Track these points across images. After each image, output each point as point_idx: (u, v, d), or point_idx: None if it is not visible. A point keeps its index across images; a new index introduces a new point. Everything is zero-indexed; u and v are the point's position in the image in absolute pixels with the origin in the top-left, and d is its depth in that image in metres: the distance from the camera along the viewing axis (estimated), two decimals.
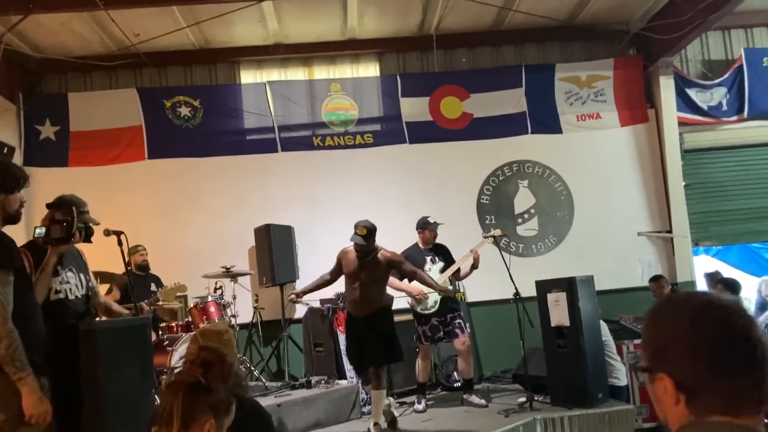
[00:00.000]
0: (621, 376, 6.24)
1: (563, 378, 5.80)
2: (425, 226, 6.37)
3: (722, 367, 1.11)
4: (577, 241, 8.41)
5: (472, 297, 8.04)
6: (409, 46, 8.79)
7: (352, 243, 5.31)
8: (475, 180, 8.54)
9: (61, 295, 3.41)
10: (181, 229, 7.85)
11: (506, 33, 8.73)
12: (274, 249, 7.38)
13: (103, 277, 6.01)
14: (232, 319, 6.49)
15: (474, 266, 6.23)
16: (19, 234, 3.32)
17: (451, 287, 6.27)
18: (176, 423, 1.71)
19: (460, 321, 6.21)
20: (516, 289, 5.99)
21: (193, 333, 3.59)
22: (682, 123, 8.65)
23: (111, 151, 8.14)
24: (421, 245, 6.40)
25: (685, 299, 1.21)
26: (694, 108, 8.73)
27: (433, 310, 6.12)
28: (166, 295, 6.01)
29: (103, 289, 6.21)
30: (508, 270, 6.02)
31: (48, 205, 3.55)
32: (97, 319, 3.83)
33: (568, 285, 5.85)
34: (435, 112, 8.60)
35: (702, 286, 8.15)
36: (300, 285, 6.11)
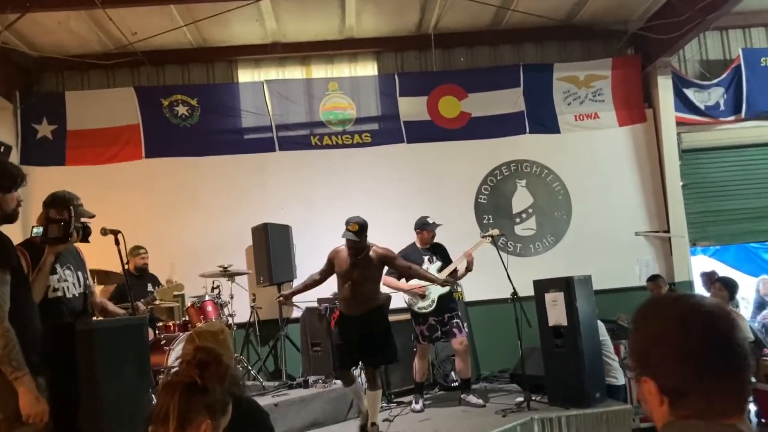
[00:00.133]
0: (618, 376, 6.25)
1: (561, 378, 5.81)
2: (424, 227, 6.36)
3: (706, 371, 1.13)
4: (574, 240, 8.41)
5: (469, 296, 8.04)
6: (407, 45, 8.78)
7: (344, 242, 5.25)
8: (473, 179, 8.54)
9: (59, 293, 3.40)
10: (179, 228, 7.84)
11: (504, 32, 8.73)
12: (272, 248, 7.37)
13: (99, 275, 6.00)
14: (230, 319, 6.49)
15: (468, 268, 6.22)
16: (16, 233, 3.31)
17: (448, 288, 6.24)
18: (172, 423, 1.71)
19: (458, 320, 6.20)
20: (514, 288, 6.00)
21: (189, 333, 3.58)
22: (679, 123, 8.65)
23: (108, 150, 8.12)
24: (418, 245, 6.40)
25: (669, 303, 1.22)
26: (691, 108, 8.74)
27: (430, 309, 6.12)
28: (163, 294, 6.01)
29: (99, 288, 6.22)
30: (506, 270, 6.02)
31: (43, 203, 3.54)
32: (94, 318, 3.83)
33: (565, 285, 5.86)
34: (433, 112, 8.59)
35: (699, 286, 8.17)
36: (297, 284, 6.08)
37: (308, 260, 7.38)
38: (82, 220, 3.60)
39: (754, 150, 8.97)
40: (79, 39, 7.83)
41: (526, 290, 6.17)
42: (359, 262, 5.24)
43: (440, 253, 6.41)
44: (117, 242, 3.92)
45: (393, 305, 7.08)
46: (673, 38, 7.90)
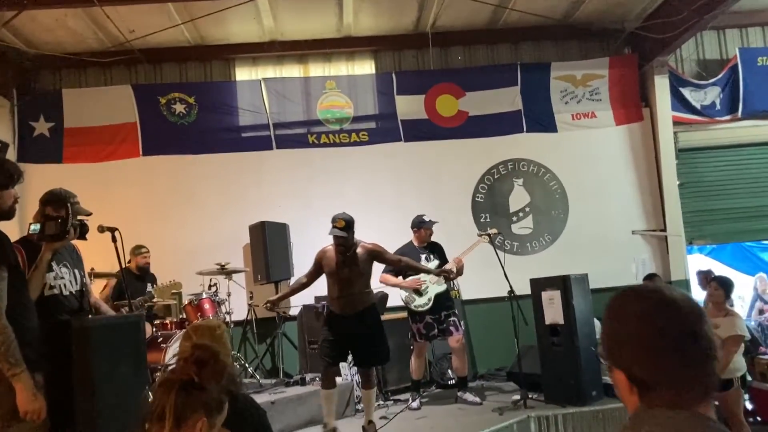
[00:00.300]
0: None
1: (557, 376, 5.82)
2: (421, 225, 6.37)
3: (672, 362, 1.17)
4: (571, 239, 8.42)
5: (466, 295, 8.05)
6: (405, 43, 8.78)
7: (331, 241, 5.19)
8: (470, 178, 8.55)
9: (56, 291, 3.39)
10: (176, 225, 7.83)
11: (502, 31, 8.74)
12: (269, 246, 7.38)
13: (97, 275, 5.99)
14: (227, 316, 6.49)
15: (459, 273, 6.22)
16: (12, 231, 3.31)
17: (445, 286, 6.26)
18: (168, 421, 1.71)
19: (455, 319, 6.21)
20: (511, 287, 6.01)
21: (186, 329, 3.58)
22: (676, 122, 8.68)
23: (105, 147, 8.11)
24: (416, 243, 6.41)
25: (638, 296, 1.27)
26: (688, 107, 8.76)
27: (427, 307, 6.13)
28: (161, 292, 6.01)
29: (99, 285, 6.22)
30: (503, 268, 6.03)
31: (40, 201, 3.53)
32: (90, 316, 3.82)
33: (562, 283, 5.88)
34: (430, 110, 8.60)
35: (696, 284, 8.19)
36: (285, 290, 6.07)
37: (305, 258, 7.32)
38: (79, 217, 3.60)
39: (751, 149, 8.99)
40: (76, 36, 7.83)
41: (523, 289, 6.19)
42: (348, 259, 5.16)
43: (437, 251, 6.42)
44: (114, 239, 3.92)
45: (390, 303, 7.13)
46: (670, 38, 7.92)
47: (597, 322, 6.17)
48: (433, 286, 6.15)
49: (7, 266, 2.85)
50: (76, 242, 3.68)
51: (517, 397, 5.92)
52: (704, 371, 1.19)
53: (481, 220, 8.40)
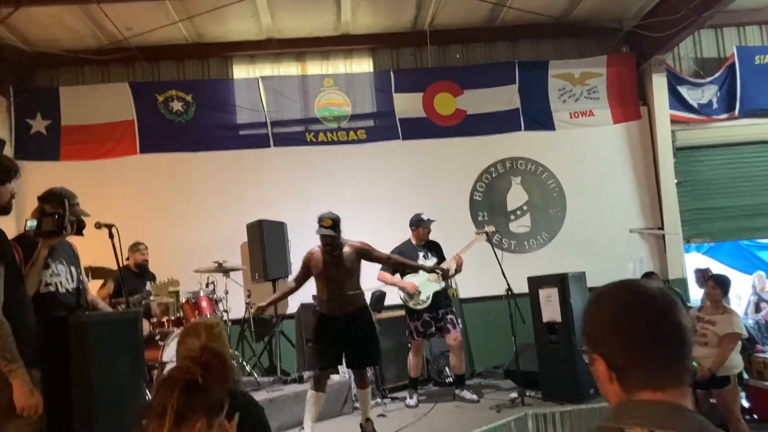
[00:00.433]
0: None
1: (555, 373, 5.83)
2: (419, 223, 6.37)
3: (648, 348, 1.25)
4: (569, 237, 8.43)
5: (464, 293, 8.05)
6: (403, 41, 8.78)
7: (318, 243, 5.13)
8: (468, 176, 8.54)
9: (52, 288, 3.39)
10: (174, 223, 7.82)
11: (500, 29, 8.74)
12: (267, 245, 7.37)
13: (95, 272, 5.98)
14: (224, 314, 6.47)
15: (457, 270, 6.22)
16: (9, 227, 3.30)
17: (443, 284, 6.26)
18: (168, 419, 1.70)
19: (452, 317, 6.22)
20: (508, 285, 6.02)
21: (184, 327, 3.56)
22: (674, 121, 8.68)
23: (103, 145, 8.09)
24: (414, 242, 6.41)
25: (617, 288, 1.35)
26: (685, 106, 8.77)
27: (425, 305, 6.13)
28: (158, 290, 6.00)
29: (97, 284, 6.20)
30: (501, 266, 6.03)
31: (38, 198, 3.53)
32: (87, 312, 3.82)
33: (560, 281, 5.89)
34: (428, 109, 8.59)
35: (693, 282, 8.20)
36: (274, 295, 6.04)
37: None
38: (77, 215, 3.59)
39: (748, 148, 9.00)
40: (73, 34, 7.80)
41: (521, 287, 6.20)
42: (335, 259, 5.08)
43: (435, 250, 6.42)
44: (111, 236, 3.92)
45: (388, 302, 7.14)
46: (667, 36, 7.92)
47: None
48: (431, 285, 6.15)
49: (4, 263, 2.84)
50: (73, 240, 3.68)
51: (514, 394, 5.92)
52: (678, 353, 1.26)
53: (479, 219, 8.40)
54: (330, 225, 5.01)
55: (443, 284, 6.26)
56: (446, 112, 8.61)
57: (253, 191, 8.09)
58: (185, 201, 7.98)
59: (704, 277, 7.48)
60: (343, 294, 5.10)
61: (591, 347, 1.34)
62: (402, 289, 6.18)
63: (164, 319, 6.16)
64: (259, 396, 5.46)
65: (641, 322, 1.26)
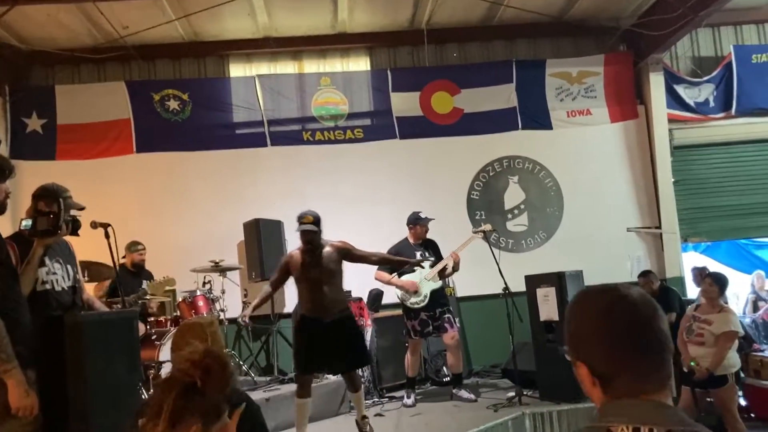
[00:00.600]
0: None
1: (552, 372, 5.81)
2: (417, 222, 6.36)
3: (630, 354, 1.26)
4: (566, 236, 8.43)
5: (461, 292, 8.06)
6: (400, 40, 8.77)
7: (297, 246, 5.02)
8: (465, 175, 8.54)
9: (48, 286, 3.37)
10: (170, 222, 7.80)
11: (497, 28, 8.73)
12: (264, 244, 7.35)
13: (91, 271, 5.95)
14: (221, 314, 6.46)
15: (455, 268, 6.21)
16: (4, 227, 3.29)
17: (440, 283, 6.25)
18: (163, 420, 1.70)
19: (450, 316, 6.22)
20: (505, 284, 6.01)
21: (179, 326, 3.55)
22: (671, 119, 8.69)
23: (99, 144, 8.07)
24: (411, 240, 6.40)
25: (598, 293, 1.36)
26: (682, 104, 8.78)
27: (422, 304, 6.12)
28: (154, 289, 5.98)
29: (93, 282, 6.18)
30: (498, 265, 6.03)
31: (32, 195, 3.50)
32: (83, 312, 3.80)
33: (557, 280, 5.89)
34: (425, 107, 8.58)
35: (690, 281, 8.20)
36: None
37: None
38: (72, 212, 3.57)
39: (745, 147, 9.00)
40: (69, 32, 7.77)
41: (518, 286, 6.20)
42: (316, 259, 4.90)
43: (432, 248, 6.41)
44: (107, 235, 3.90)
45: (385, 300, 7.13)
46: (665, 35, 7.92)
47: None
48: (429, 284, 6.15)
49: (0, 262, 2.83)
50: (69, 238, 3.66)
51: (511, 393, 5.93)
52: (660, 360, 1.27)
53: (476, 218, 8.39)
54: (311, 221, 4.89)
55: (440, 283, 6.26)
56: (443, 111, 8.61)
57: (249, 190, 8.07)
58: (182, 200, 7.96)
59: (702, 275, 7.49)
60: (325, 296, 4.92)
61: (573, 353, 1.34)
62: (401, 288, 6.17)
63: (161, 318, 6.15)
64: (256, 395, 5.46)
65: (623, 330, 1.27)
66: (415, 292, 6.10)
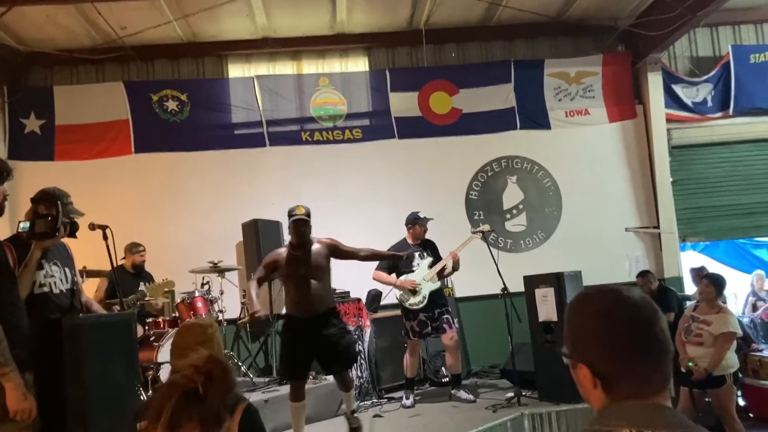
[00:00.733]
0: None
1: (551, 373, 5.81)
2: (416, 222, 6.36)
3: (631, 356, 1.26)
4: (565, 236, 8.43)
5: (460, 292, 8.06)
6: (398, 41, 8.76)
7: (284, 244, 4.96)
8: (463, 175, 8.54)
9: (45, 289, 3.36)
10: (168, 223, 7.79)
11: (495, 28, 8.73)
12: (262, 244, 7.33)
13: (90, 273, 5.95)
14: (220, 315, 6.46)
15: (454, 268, 6.21)
16: (3, 228, 3.29)
17: (439, 284, 6.25)
18: (163, 424, 1.70)
19: (448, 316, 6.21)
20: (504, 284, 6.02)
21: (178, 327, 3.54)
22: (669, 119, 8.69)
23: (97, 145, 8.07)
24: (410, 240, 6.40)
25: (599, 295, 1.35)
26: (680, 104, 8.78)
27: (421, 305, 6.12)
28: (153, 291, 5.97)
29: (92, 285, 6.18)
30: (497, 265, 6.03)
31: (31, 199, 3.50)
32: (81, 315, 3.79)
33: (556, 280, 5.89)
34: (424, 108, 8.58)
35: (689, 281, 8.21)
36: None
37: None
38: (70, 216, 3.57)
39: (744, 146, 9.00)
40: (67, 33, 7.77)
41: (517, 286, 6.20)
42: (304, 256, 4.82)
43: (431, 248, 6.41)
44: (105, 237, 3.90)
45: (383, 301, 7.12)
46: (663, 35, 7.93)
47: None
48: (427, 284, 6.15)
49: None
50: (67, 241, 3.66)
51: (510, 394, 5.93)
52: (661, 362, 1.28)
53: (475, 218, 8.39)
54: (303, 213, 4.85)
55: (439, 284, 6.26)
56: (442, 111, 8.61)
57: (248, 190, 8.07)
58: (180, 201, 7.96)
59: (700, 275, 7.49)
60: (313, 293, 4.82)
61: (576, 355, 1.34)
62: (401, 287, 6.16)
63: (159, 319, 6.15)
64: (255, 397, 5.46)
65: (625, 332, 1.27)
66: (415, 292, 6.10)
